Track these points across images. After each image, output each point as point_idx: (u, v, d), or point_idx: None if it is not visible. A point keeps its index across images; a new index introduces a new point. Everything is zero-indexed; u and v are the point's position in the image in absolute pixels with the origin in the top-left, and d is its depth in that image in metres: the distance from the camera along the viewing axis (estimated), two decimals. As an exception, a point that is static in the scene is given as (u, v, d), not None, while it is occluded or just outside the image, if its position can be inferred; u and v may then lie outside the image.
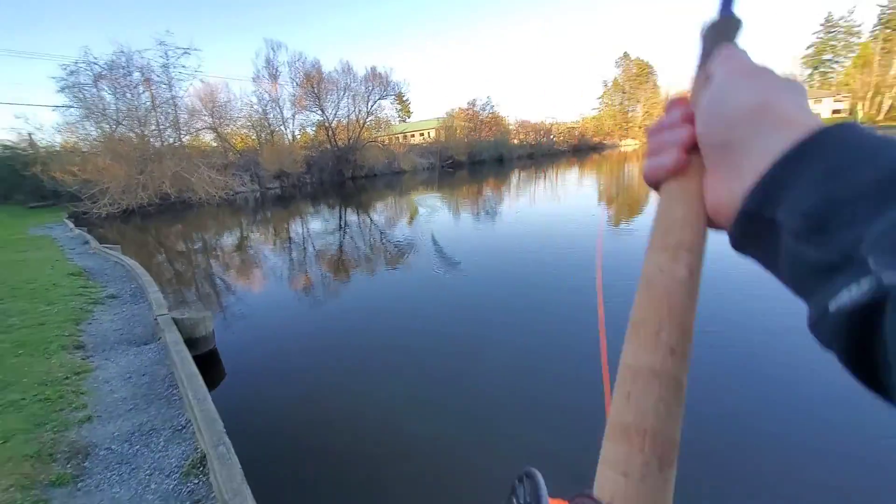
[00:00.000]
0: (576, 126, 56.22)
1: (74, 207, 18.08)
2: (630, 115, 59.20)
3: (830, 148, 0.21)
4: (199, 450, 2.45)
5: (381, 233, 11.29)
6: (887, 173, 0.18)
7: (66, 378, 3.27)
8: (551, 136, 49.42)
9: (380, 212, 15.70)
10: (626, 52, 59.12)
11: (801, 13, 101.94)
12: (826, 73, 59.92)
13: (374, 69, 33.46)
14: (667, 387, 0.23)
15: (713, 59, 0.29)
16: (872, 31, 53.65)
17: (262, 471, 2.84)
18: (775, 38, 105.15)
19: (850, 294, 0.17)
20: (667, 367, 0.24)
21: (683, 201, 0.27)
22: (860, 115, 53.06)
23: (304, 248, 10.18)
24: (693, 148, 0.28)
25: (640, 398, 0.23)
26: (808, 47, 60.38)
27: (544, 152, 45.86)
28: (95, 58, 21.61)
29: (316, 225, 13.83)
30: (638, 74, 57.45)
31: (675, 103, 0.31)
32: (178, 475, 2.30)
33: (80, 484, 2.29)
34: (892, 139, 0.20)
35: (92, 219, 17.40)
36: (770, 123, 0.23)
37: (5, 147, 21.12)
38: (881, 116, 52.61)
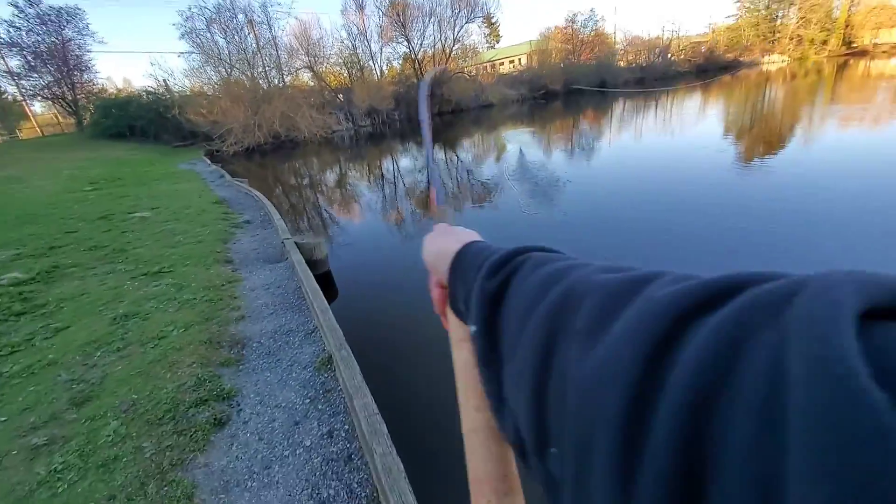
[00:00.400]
0: (704, 40, 46.38)
1: (208, 146, 20.87)
2: (780, 22, 46.65)
3: (459, 262, 0.37)
4: (326, 350, 2.88)
5: (468, 171, 11.18)
6: (473, 275, 0.33)
7: (223, 285, 4.00)
8: (669, 55, 41.66)
9: (466, 149, 15.42)
10: (783, -65, 45.35)
11: None
12: None
13: (461, -12, 30.96)
14: (483, 436, 0.30)
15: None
16: None
17: (376, 373, 3.28)
18: None
19: (473, 330, 0.31)
20: (477, 422, 0.31)
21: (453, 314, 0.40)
22: None
23: (395, 185, 10.59)
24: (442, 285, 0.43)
25: (470, 455, 0.30)
26: None
27: (658, 75, 39.08)
28: (205, 2, 23.41)
29: (405, 162, 14.17)
30: (796, -35, 44.22)
31: None
32: (311, 369, 2.75)
33: (240, 367, 2.87)
34: (482, 249, 0.36)
35: (223, 156, 20.00)
36: (445, 259, 0.39)
37: (148, 93, 24.67)
38: None
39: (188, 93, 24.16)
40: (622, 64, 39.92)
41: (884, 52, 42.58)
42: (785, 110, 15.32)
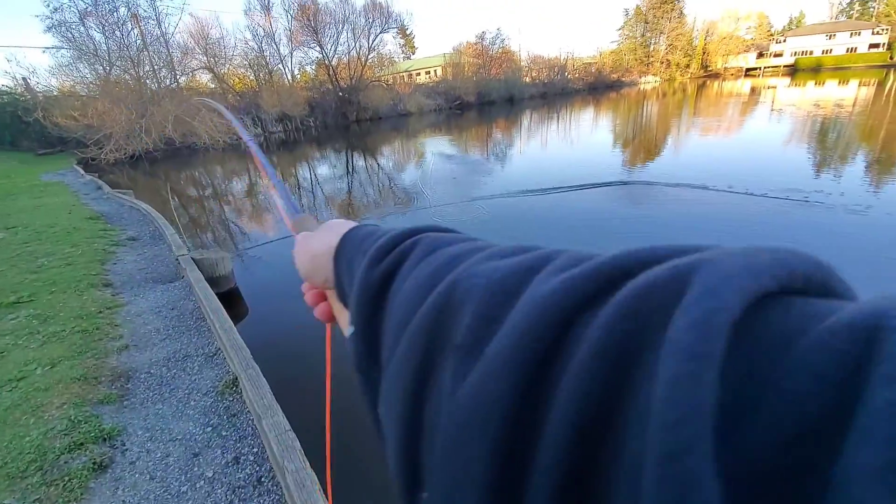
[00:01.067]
0: (593, 61, 52.46)
1: (82, 154, 17.96)
2: (652, 48, 54.76)
3: (342, 250, 0.33)
4: (230, 373, 2.67)
5: (389, 178, 11.17)
6: (361, 250, 0.30)
7: (100, 312, 3.48)
8: (566, 74, 46.41)
9: (387, 156, 15.40)
10: (652, -24, 53.40)
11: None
12: (867, 1, 54.09)
13: (373, -1, 31.03)
14: None
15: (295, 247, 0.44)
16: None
17: (289, 393, 3.11)
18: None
19: (350, 331, 0.27)
20: None
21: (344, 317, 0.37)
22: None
23: (314, 194, 10.17)
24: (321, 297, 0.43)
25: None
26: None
27: (558, 91, 43.33)
28: (77, -8, 20.34)
29: (323, 170, 13.69)
30: (663, 2, 52.32)
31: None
32: (213, 394, 2.53)
33: (125, 402, 2.53)
34: (375, 231, 0.32)
35: (101, 164, 17.36)
36: (322, 262, 0.36)
37: (2, 93, 20.59)
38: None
39: (55, 93, 20.60)
40: (527, 80, 43.25)
41: (732, 74, 52.50)
42: (660, 122, 18.04)
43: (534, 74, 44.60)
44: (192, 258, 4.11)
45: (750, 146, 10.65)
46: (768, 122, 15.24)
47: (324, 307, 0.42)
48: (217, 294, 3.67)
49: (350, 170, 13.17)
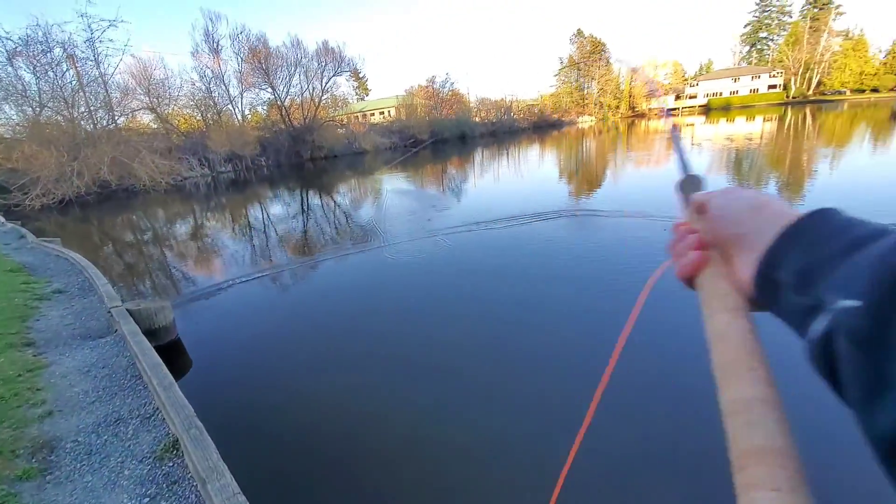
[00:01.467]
0: (535, 103, 56.65)
1: (3, 200, 16.40)
2: (586, 91, 60.35)
3: (813, 227, 0.31)
4: (170, 434, 2.49)
5: (346, 215, 11.14)
6: (846, 244, 0.28)
7: (19, 375, 3.14)
8: (512, 114, 49.62)
9: (342, 194, 15.40)
10: (579, 30, 59.68)
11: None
12: (762, 49, 63.62)
13: (326, 44, 31.95)
14: (775, 409, 0.28)
15: (697, 198, 0.43)
16: (802, 11, 57.22)
17: (237, 453, 2.91)
18: (716, 18, 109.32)
19: (817, 327, 0.26)
20: (769, 394, 0.29)
21: (722, 279, 0.37)
22: (792, 90, 57.06)
23: (265, 234, 9.90)
24: (703, 248, 0.40)
25: (761, 423, 0.27)
26: (746, 25, 63.65)
27: (506, 129, 46.04)
28: (7, 32, 19.28)
29: (276, 209, 13.39)
30: (592, 51, 58.30)
31: (678, 226, 0.45)
32: (151, 460, 2.34)
33: (48, 476, 2.28)
34: (856, 221, 0.30)
35: (25, 211, 15.92)
36: (767, 217, 0.35)
37: None
38: (810, 91, 56.83)
39: (-27, 135, 18.94)
40: (477, 120, 45.68)
41: (655, 114, 58.66)
42: (599, 156, 19.60)
43: (483, 114, 47.22)
44: (126, 310, 3.84)
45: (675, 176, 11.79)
46: (690, 153, 17.01)
47: (698, 258, 0.39)
48: (156, 347, 3.44)
49: (304, 208, 13.00)
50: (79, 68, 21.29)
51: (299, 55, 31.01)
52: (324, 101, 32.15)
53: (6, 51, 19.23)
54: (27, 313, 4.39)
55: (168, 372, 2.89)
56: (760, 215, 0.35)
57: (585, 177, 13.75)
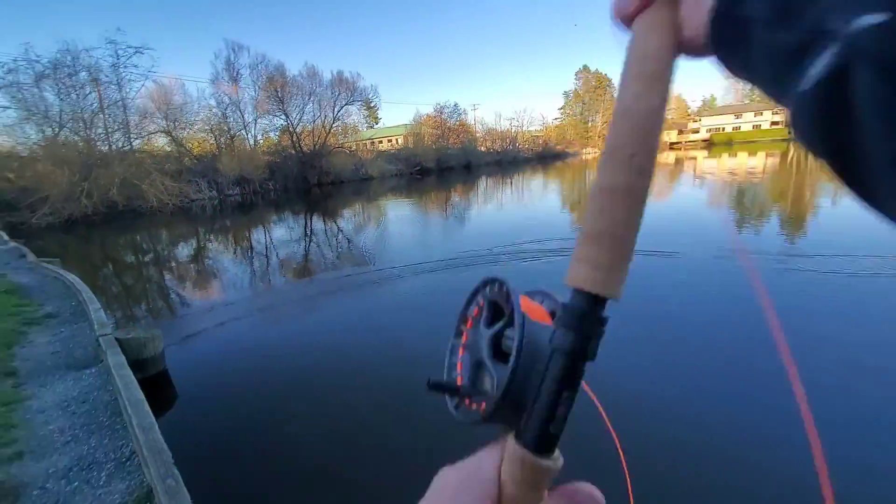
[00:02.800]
0: (540, 134, 57.86)
1: (9, 217, 16.59)
2: (590, 125, 61.74)
3: None
4: (145, 483, 2.29)
5: (349, 241, 11.10)
6: None
7: (-7, 410, 2.97)
8: (517, 144, 50.63)
9: (347, 219, 15.45)
10: (585, 65, 61.82)
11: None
12: (765, 88, 65.26)
13: (340, 74, 33.10)
14: (635, 201, 0.27)
15: None
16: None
17: (221, 496, 2.70)
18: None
19: (817, 68, 0.17)
20: (637, 184, 0.27)
21: (657, 32, 0.29)
22: (795, 127, 57.98)
23: (267, 259, 9.83)
24: None
25: (613, 211, 0.27)
26: (749, 64, 65.77)
27: (510, 160, 46.81)
28: (38, 56, 20.11)
29: (280, 233, 13.41)
30: (597, 86, 60.05)
31: None
32: (121, 513, 2.14)
33: (6, 530, 2.08)
34: None
35: (30, 229, 16.05)
36: None
37: (-75, 151, 19.16)
38: (812, 129, 57.77)
39: (-8, 153, 19.46)
40: (483, 149, 46.57)
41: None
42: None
43: (488, 144, 48.16)
44: (115, 338, 3.70)
45: (681, 208, 11.80)
46: (692, 188, 17.13)
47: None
48: (142, 380, 3.27)
49: (308, 232, 13.01)
50: (101, 92, 22.07)
51: (314, 85, 32.10)
52: (334, 129, 32.96)
53: (34, 73, 20.01)
54: (14, 339, 4.25)
55: (150, 411, 2.72)
56: None
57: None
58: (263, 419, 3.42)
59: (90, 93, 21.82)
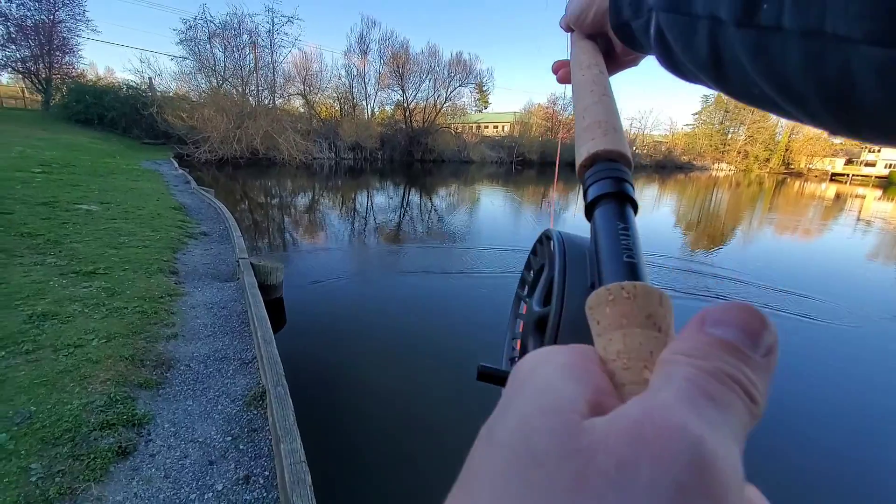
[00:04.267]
0: (664, 140, 52.20)
1: (180, 149, 20.25)
2: (730, 136, 53.63)
3: None
4: (260, 385, 2.69)
5: (440, 217, 11.44)
6: None
7: (161, 297, 3.73)
8: (634, 148, 46.50)
9: (442, 197, 15.89)
10: (736, 68, 53.37)
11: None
12: None
13: (459, 55, 33.60)
14: (609, 104, 0.32)
15: None
16: None
17: (309, 419, 3.07)
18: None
19: (652, 28, 0.28)
20: (602, 94, 0.33)
21: (586, 56, 0.38)
22: None
23: (366, 221, 10.61)
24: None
25: (593, 113, 0.31)
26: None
27: (622, 164, 43.23)
28: (212, 16, 23.85)
29: (380, 200, 14.34)
30: (745, 94, 51.76)
31: None
32: (241, 403, 2.55)
33: (160, 391, 2.61)
34: None
35: (193, 161, 19.42)
36: None
37: (129, 87, 24.09)
38: None
39: (172, 95, 23.81)
40: (594, 148, 43.63)
41: (815, 176, 50.02)
42: (731, 211, 17.25)
43: (600, 144, 45.06)
44: (251, 263, 4.35)
45: (830, 254, 9.83)
46: (853, 232, 14.07)
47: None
48: (265, 302, 3.82)
49: (404, 203, 13.68)
50: (257, 53, 25.48)
51: (433, 63, 33.12)
52: (444, 108, 33.78)
53: (208, 32, 23.84)
54: (178, 246, 5.26)
55: (270, 328, 3.16)
56: None
57: (706, 231, 12.17)
58: (352, 356, 3.77)
59: (249, 54, 25.31)
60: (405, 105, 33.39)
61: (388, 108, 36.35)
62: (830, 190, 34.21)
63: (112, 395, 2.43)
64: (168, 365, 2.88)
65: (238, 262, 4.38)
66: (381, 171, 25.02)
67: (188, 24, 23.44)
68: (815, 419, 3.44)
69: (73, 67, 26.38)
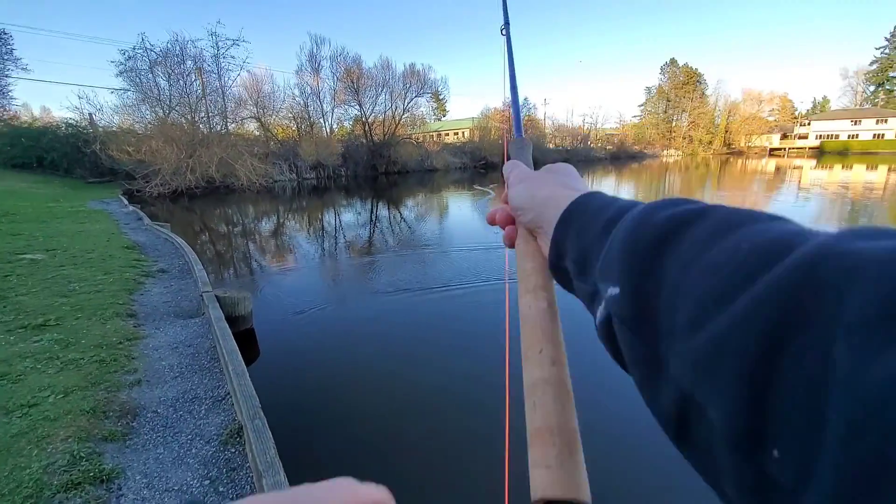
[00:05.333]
0: (615, 133, 54.58)
1: (128, 185, 19.28)
2: (674, 124, 56.77)
3: (578, 213, 0.34)
4: (236, 421, 2.59)
5: (410, 228, 11.44)
6: (602, 227, 0.30)
7: (120, 343, 3.53)
8: (589, 142, 48.32)
9: (410, 208, 15.90)
10: (673, 59, 56.76)
11: (863, 26, 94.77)
12: (892, 90, 55.62)
13: (412, 66, 33.90)
14: (560, 389, 0.30)
15: (506, 168, 0.48)
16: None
17: (291, 448, 2.98)
18: (833, 50, 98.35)
19: (600, 313, 0.28)
20: (553, 374, 0.31)
21: (530, 257, 0.39)
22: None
23: (336, 239, 10.46)
24: (513, 222, 0.44)
25: (541, 404, 0.29)
26: (873, 63, 56.26)
27: (581, 158, 44.84)
28: (151, 45, 22.96)
29: (348, 217, 14.17)
30: (685, 83, 55.05)
31: (502, 189, 0.48)
32: (216, 443, 2.45)
33: (128, 441, 2.47)
34: (610, 200, 0.33)
35: (144, 197, 18.53)
36: (552, 206, 0.36)
37: (69, 125, 22.78)
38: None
39: (115, 129, 22.70)
40: (552, 146, 45.10)
41: (755, 153, 53.58)
42: (684, 192, 18.23)
43: (558, 141, 46.54)
44: (215, 295, 4.19)
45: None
46: (796, 200, 15.16)
47: (510, 231, 0.45)
48: (234, 334, 3.69)
49: (373, 218, 13.60)
50: (204, 79, 24.73)
51: (387, 76, 33.22)
52: (403, 120, 33.91)
53: (149, 61, 22.94)
54: (135, 287, 4.99)
55: (242, 360, 3.05)
56: (547, 207, 0.37)
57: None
58: (333, 379, 3.70)
59: (195, 80, 24.51)
60: (364, 119, 33.26)
61: (346, 123, 36.11)
62: (770, 164, 36.70)
63: (75, 453, 2.27)
64: (134, 413, 2.73)
65: (202, 295, 4.22)
66: (345, 187, 24.74)
67: (126, 54, 22.48)
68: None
69: (5, 110, 24.71)
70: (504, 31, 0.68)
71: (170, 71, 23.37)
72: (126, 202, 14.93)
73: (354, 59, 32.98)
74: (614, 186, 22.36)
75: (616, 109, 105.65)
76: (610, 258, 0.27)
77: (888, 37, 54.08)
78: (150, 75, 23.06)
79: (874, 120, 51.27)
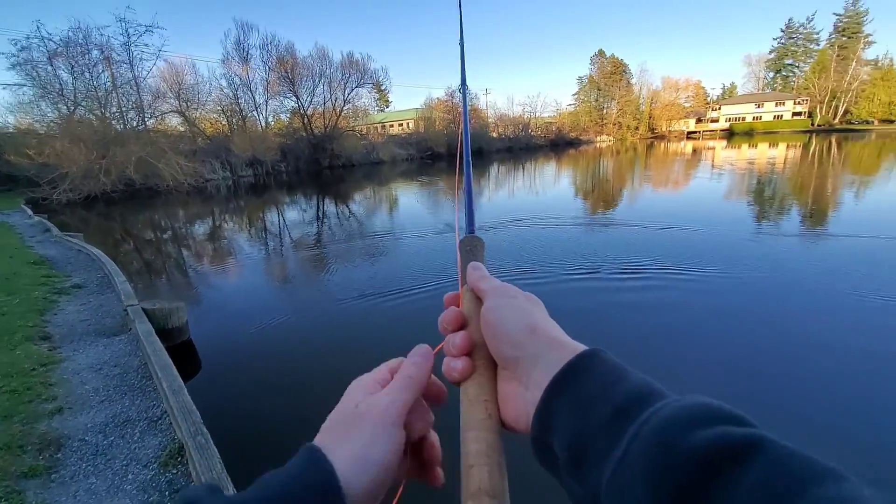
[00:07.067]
0: (554, 121, 56.79)
1: (32, 193, 17.02)
2: (605, 111, 60.24)
3: (576, 382, 0.27)
4: (176, 440, 2.46)
5: (360, 224, 11.23)
6: (611, 413, 0.24)
7: (33, 369, 3.17)
8: (529, 131, 49.86)
9: (359, 202, 15.56)
10: (601, 50, 59.85)
11: (764, 17, 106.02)
12: (788, 76, 62.97)
13: (350, 55, 32.77)
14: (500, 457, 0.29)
15: (471, 275, 0.38)
16: (830, 39, 56.62)
17: (240, 462, 2.87)
18: (738, 39, 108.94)
19: None
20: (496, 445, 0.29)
21: (482, 403, 0.32)
22: (818, 118, 56.19)
23: (280, 238, 10.02)
24: (473, 350, 0.35)
25: (475, 470, 0.28)
26: (772, 51, 63.19)
27: (522, 146, 46.21)
28: (49, 34, 20.25)
29: (292, 215, 13.59)
30: (612, 72, 58.39)
31: (449, 299, 0.40)
32: (155, 465, 2.31)
33: (53, 475, 2.27)
34: (619, 372, 0.27)
35: (52, 205, 16.46)
36: (544, 344, 0.31)
37: (-48, 128, 19.64)
38: (836, 120, 55.87)
39: (11, 130, 19.83)
40: (494, 135, 45.99)
41: (675, 136, 58.36)
42: (616, 174, 19.54)
43: (500, 130, 47.53)
44: (142, 308, 3.88)
45: (698, 197, 11.72)
46: (711, 177, 16.85)
47: (465, 364, 0.34)
48: (169, 348, 3.45)
49: (320, 215, 13.16)
50: (114, 70, 22.23)
51: (324, 66, 31.86)
52: (345, 112, 32.84)
53: (47, 51, 20.21)
54: (46, 306, 4.48)
55: (178, 375, 2.88)
56: (535, 337, 0.31)
57: (602, 194, 13.65)
58: (281, 387, 3.60)
59: (103, 72, 22.01)
60: (302, 111, 31.75)
61: (283, 116, 34.28)
62: (688, 146, 40.18)
63: (-14, 497, 2.05)
64: (57, 444, 2.49)
65: (126, 310, 3.88)
66: (287, 183, 23.59)
67: (19, 45, 19.57)
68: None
69: None
70: (461, 81, 0.64)
71: (73, 62, 20.78)
72: (30, 212, 13.20)
73: (287, 47, 31.32)
74: (555, 172, 23.35)
75: (553, 98, 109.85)
76: (625, 481, 0.21)
77: (783, 28, 60.94)
78: (50, 67, 20.39)
79: (774, 103, 57.86)
